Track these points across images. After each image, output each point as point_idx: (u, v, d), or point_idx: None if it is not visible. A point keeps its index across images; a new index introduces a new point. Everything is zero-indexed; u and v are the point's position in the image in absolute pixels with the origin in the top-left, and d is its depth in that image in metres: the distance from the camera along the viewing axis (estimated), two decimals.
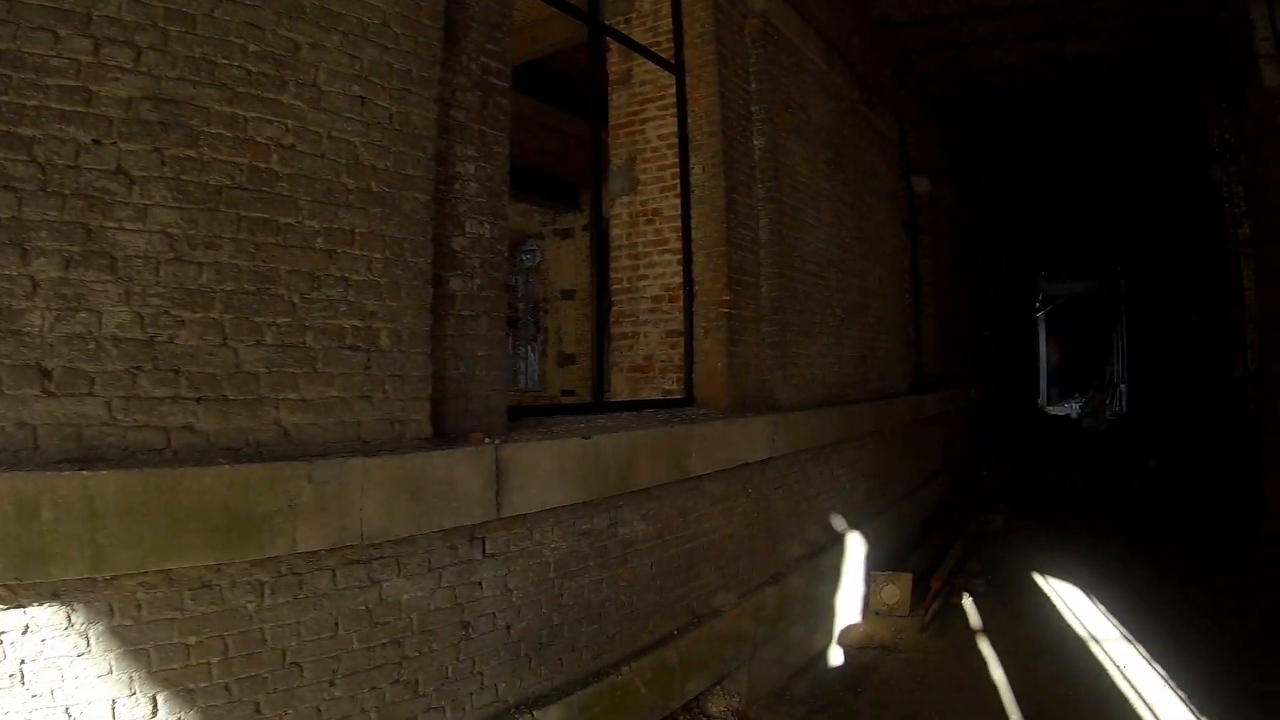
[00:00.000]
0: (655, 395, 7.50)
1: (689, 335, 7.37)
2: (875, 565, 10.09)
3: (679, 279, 7.51)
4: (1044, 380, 46.01)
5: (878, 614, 9.50)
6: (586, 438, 5.12)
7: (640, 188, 7.87)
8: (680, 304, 7.46)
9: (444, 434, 4.47)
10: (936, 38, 14.02)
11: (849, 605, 9.20)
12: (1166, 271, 25.58)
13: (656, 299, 7.66)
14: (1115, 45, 14.30)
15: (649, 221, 7.80)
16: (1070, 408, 43.63)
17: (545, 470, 4.76)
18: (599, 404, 6.55)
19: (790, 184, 8.61)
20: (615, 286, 7.97)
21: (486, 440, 4.56)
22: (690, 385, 7.33)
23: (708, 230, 7.45)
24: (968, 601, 9.83)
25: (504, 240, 4.94)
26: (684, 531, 6.25)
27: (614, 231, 8.04)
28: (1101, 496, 16.96)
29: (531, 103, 14.63)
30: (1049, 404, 44.98)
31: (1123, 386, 38.03)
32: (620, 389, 7.80)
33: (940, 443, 15.18)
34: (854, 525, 9.72)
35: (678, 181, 7.62)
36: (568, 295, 20.42)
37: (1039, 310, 41.89)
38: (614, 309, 7.96)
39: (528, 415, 5.85)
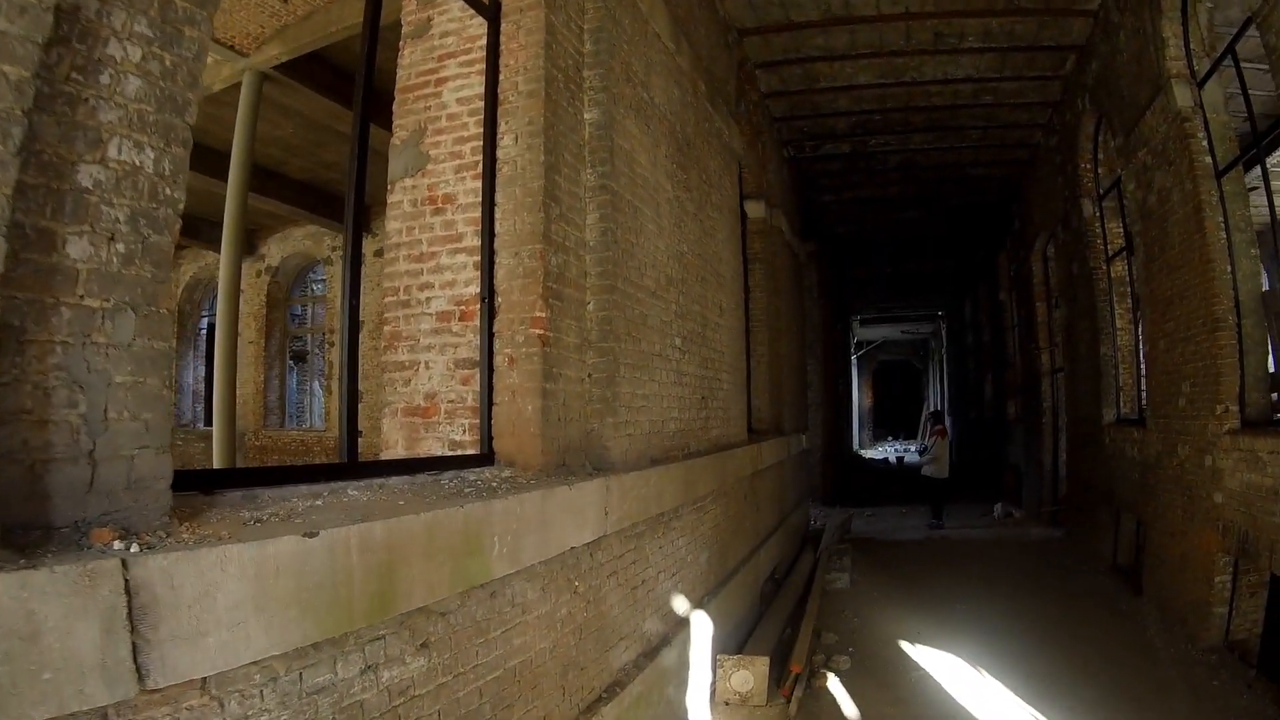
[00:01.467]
0: (441, 450, 5.43)
1: (488, 366, 5.33)
2: (721, 646, 8.29)
3: (475, 288, 5.50)
4: (857, 424, 46.14)
5: (728, 704, 7.65)
6: (312, 535, 2.94)
7: (430, 166, 5.83)
8: (476, 322, 5.44)
9: (29, 530, 2.32)
10: (784, 48, 12.66)
11: (696, 700, 7.26)
12: (989, 310, 25.42)
13: (444, 316, 5.61)
14: (976, 75, 13.39)
15: (438, 211, 5.75)
16: (885, 450, 43.97)
17: (232, 599, 2.58)
18: (353, 465, 4.35)
19: (628, 174, 6.72)
20: (389, 299, 5.89)
21: (117, 544, 2.40)
22: (489, 436, 5.29)
23: (519, 221, 5.45)
24: (834, 683, 8.11)
25: (178, 177, 2.76)
26: (485, 658, 4.14)
27: (391, 226, 5.98)
28: (949, 547, 15.80)
29: (323, 102, 12.49)
30: (862, 447, 45.11)
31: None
32: (393, 439, 5.67)
33: (775, 495, 13.64)
34: (697, 604, 7.88)
35: (480, 158, 5.63)
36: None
37: (853, 353, 41.88)
38: (387, 330, 5.86)
39: (226, 486, 3.59)
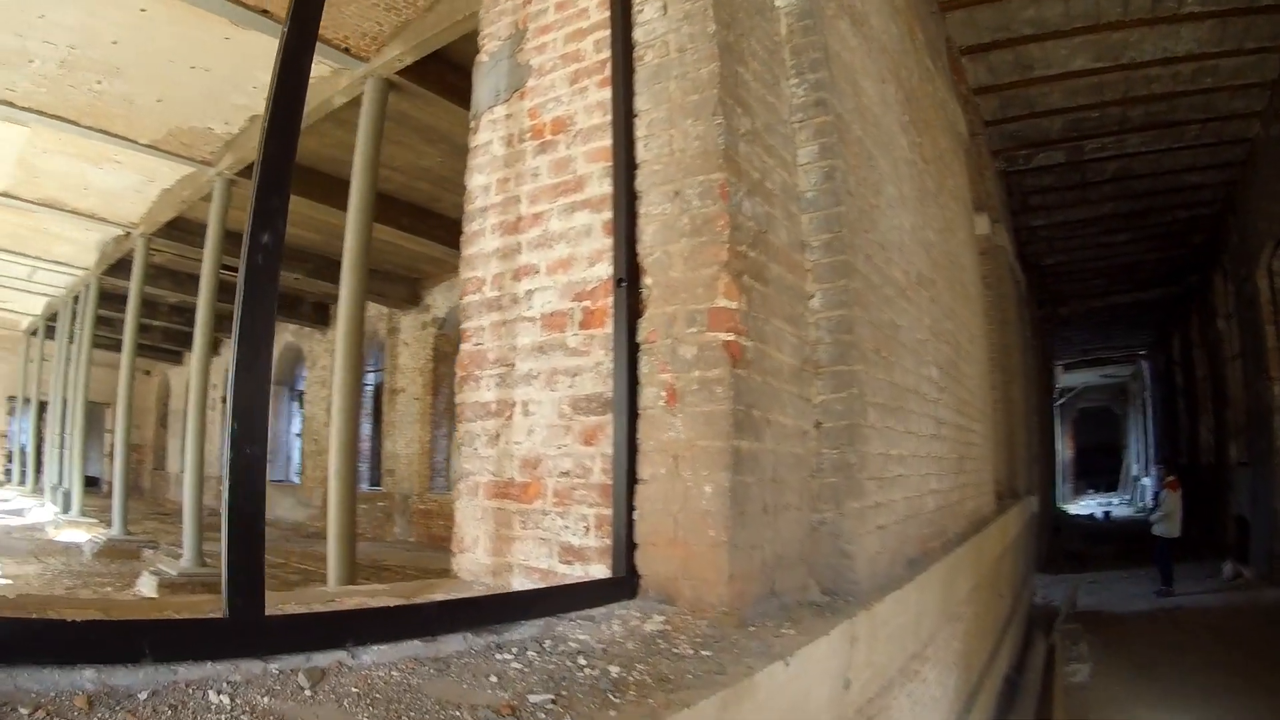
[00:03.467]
0: (547, 560, 3.03)
1: (628, 407, 2.85)
2: None
3: (605, 268, 3.07)
4: (1059, 477, 41.79)
5: None
6: None
7: (532, 82, 3.55)
8: (608, 328, 2.99)
9: None
10: (991, 23, 10.39)
11: None
12: (1204, 341, 21.86)
13: (554, 320, 3.20)
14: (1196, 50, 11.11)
15: (545, 146, 3.41)
16: (1089, 505, 39.48)
17: None
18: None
19: (853, 97, 4.15)
20: (468, 298, 3.60)
21: None
22: (628, 543, 2.78)
23: (676, 137, 3.01)
24: None
25: None
26: None
27: (474, 184, 3.70)
28: (1185, 621, 13.01)
29: (462, 115, 10.52)
30: (1063, 502, 40.64)
31: (1146, 480, 34.19)
32: (470, 538, 3.32)
33: (1013, 574, 10.67)
34: None
35: (607, 54, 3.24)
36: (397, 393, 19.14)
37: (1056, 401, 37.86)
38: (463, 351, 3.56)
39: None
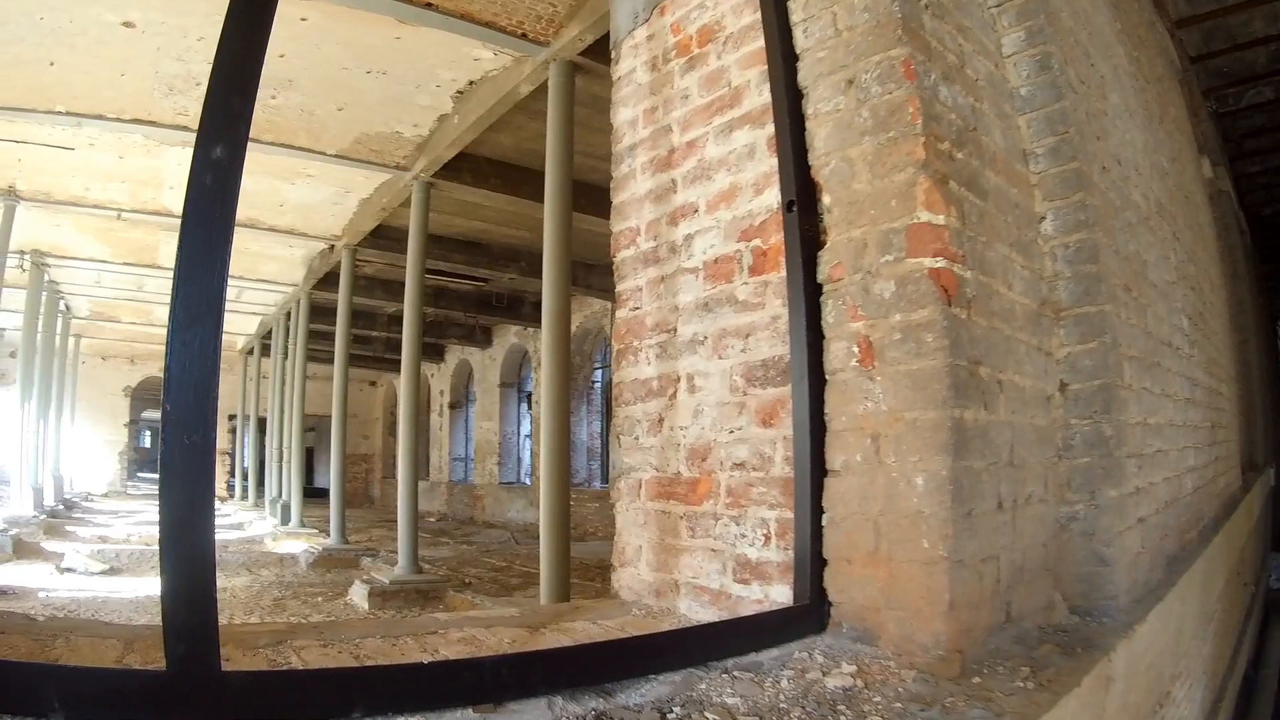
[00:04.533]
0: (719, 578, 2.37)
1: (809, 366, 2.13)
2: None
3: (773, 194, 2.37)
4: None
5: None
6: None
7: None
8: (782, 272, 2.28)
9: None
10: None
11: None
12: None
13: (718, 269, 2.55)
14: None
15: (693, 62, 2.79)
16: None
17: None
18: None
19: None
20: (620, 254, 3.02)
21: None
22: (815, 558, 2.08)
23: (842, 17, 2.28)
24: None
25: None
26: None
27: (620, 119, 3.14)
28: None
29: None
30: None
31: None
32: (631, 548, 2.73)
33: (1254, 558, 9.15)
34: None
35: None
36: None
37: None
38: (618, 319, 2.97)
39: None
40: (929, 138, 2.05)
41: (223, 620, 5.50)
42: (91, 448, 26.62)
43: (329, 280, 14.17)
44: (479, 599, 8.59)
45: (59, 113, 8.83)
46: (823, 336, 2.13)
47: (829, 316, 2.13)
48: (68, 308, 19.24)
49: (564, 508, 7.15)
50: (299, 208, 11.88)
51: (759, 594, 2.20)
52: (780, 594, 2.14)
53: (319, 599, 8.60)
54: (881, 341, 2.01)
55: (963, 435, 1.96)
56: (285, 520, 14.76)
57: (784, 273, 2.25)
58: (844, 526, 2.03)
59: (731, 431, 2.38)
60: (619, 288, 2.96)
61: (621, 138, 3.04)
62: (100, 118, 8.87)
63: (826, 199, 2.18)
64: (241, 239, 12.98)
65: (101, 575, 9.13)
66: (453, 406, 25.70)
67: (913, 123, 2.05)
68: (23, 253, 13.92)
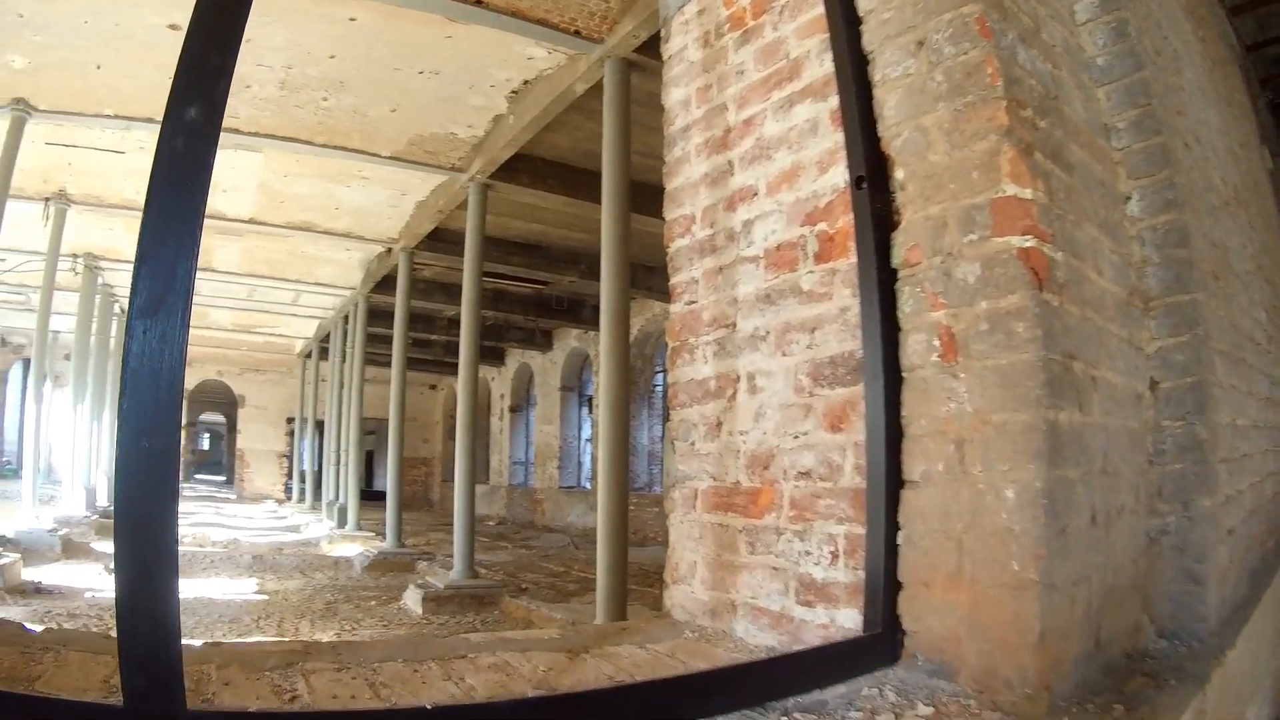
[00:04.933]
0: (780, 600, 2.15)
1: (883, 362, 1.90)
2: None
3: (839, 173, 2.13)
4: None
5: None
6: None
7: None
8: (852, 258, 2.04)
9: None
10: None
11: None
12: None
13: (780, 256, 2.32)
14: None
15: (747, 35, 2.59)
16: None
17: None
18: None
19: None
20: (674, 244, 2.80)
21: None
22: (889, 581, 1.85)
23: None
24: None
25: None
26: None
27: (672, 99, 2.93)
28: None
29: None
30: None
31: None
32: (685, 564, 2.52)
33: None
34: None
35: None
36: None
37: None
38: (673, 314, 2.75)
39: None
40: (1011, 102, 1.80)
41: (271, 625, 5.35)
42: None
43: (387, 283, 14.12)
44: (535, 605, 8.42)
45: (107, 116, 8.85)
46: (898, 329, 1.89)
47: (905, 306, 1.89)
48: (122, 310, 19.51)
49: (622, 513, 6.96)
50: (355, 211, 11.83)
51: (824, 618, 1.97)
52: (848, 619, 1.90)
53: (372, 603, 8.50)
54: (966, 333, 1.76)
55: (1057, 440, 1.71)
56: (342, 523, 14.75)
57: (854, 258, 2.02)
58: (922, 545, 1.79)
59: (796, 437, 2.15)
60: (673, 280, 2.75)
61: (674, 119, 2.83)
62: (150, 120, 8.83)
63: (899, 174, 1.95)
64: (298, 242, 13.06)
65: None
66: (513, 410, 25.65)
67: (992, 84, 1.81)
68: (75, 256, 14.08)
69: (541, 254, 13.95)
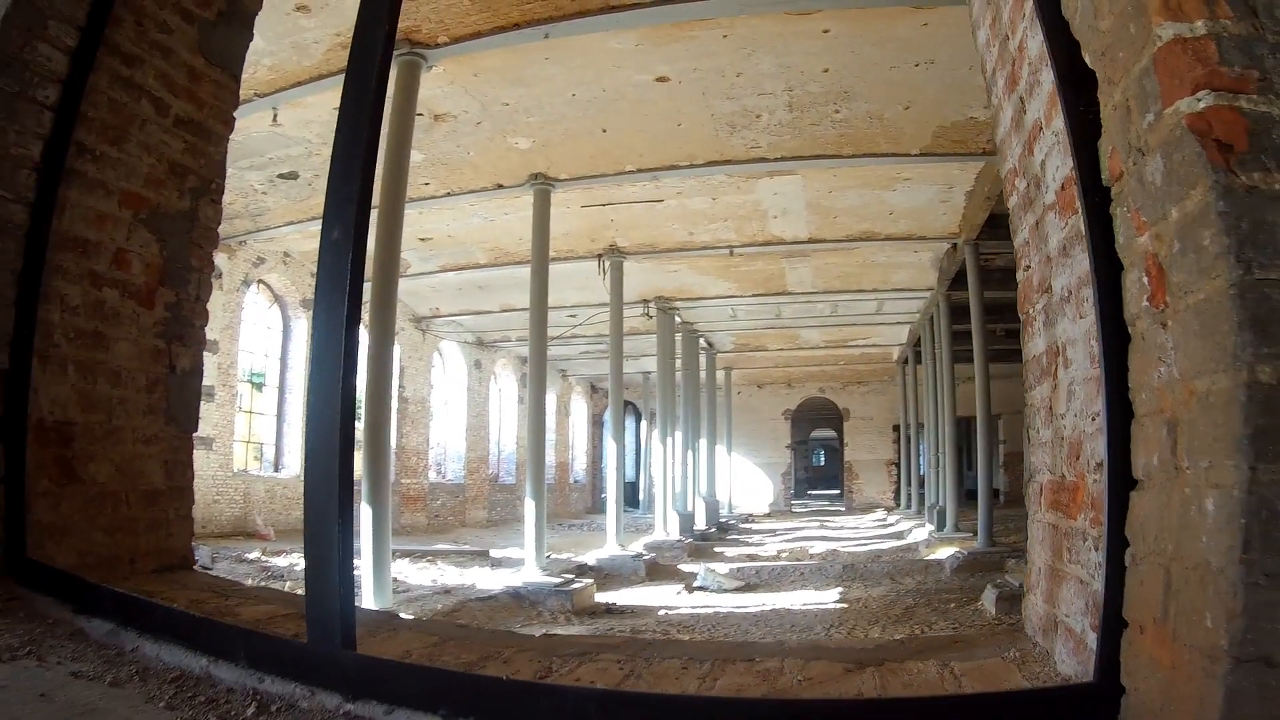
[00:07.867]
0: (1074, 622, 1.72)
1: (1104, 320, 1.45)
2: None
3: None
4: None
5: None
6: None
7: None
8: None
9: None
10: None
11: None
12: None
13: (1066, 190, 1.85)
14: None
15: None
16: None
17: None
18: None
19: None
20: (1010, 201, 2.40)
21: None
22: (1111, 611, 1.41)
23: None
24: None
25: None
26: None
27: (979, 40, 2.60)
28: None
29: None
30: None
31: None
32: (1033, 568, 2.19)
33: None
34: None
35: None
36: None
37: None
38: (1020, 280, 2.34)
39: None
40: None
41: (841, 632, 5.37)
42: (750, 471, 28.99)
43: (962, 278, 13.69)
44: None
45: (629, 172, 9.80)
46: (1120, 266, 1.41)
47: (1119, 234, 1.41)
48: (709, 344, 21.11)
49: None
50: (908, 212, 11.72)
51: None
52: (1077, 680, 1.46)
53: (951, 605, 8.17)
54: (1168, 259, 1.25)
55: (1271, 417, 1.10)
56: (941, 526, 14.43)
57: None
58: (1141, 569, 1.32)
59: (1093, 419, 1.69)
60: (1016, 241, 2.34)
61: (985, 64, 2.43)
62: (673, 168, 9.68)
63: (1087, 58, 1.46)
64: (866, 252, 13.31)
65: (734, 592, 9.57)
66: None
67: None
68: (645, 301, 15.74)
69: None
